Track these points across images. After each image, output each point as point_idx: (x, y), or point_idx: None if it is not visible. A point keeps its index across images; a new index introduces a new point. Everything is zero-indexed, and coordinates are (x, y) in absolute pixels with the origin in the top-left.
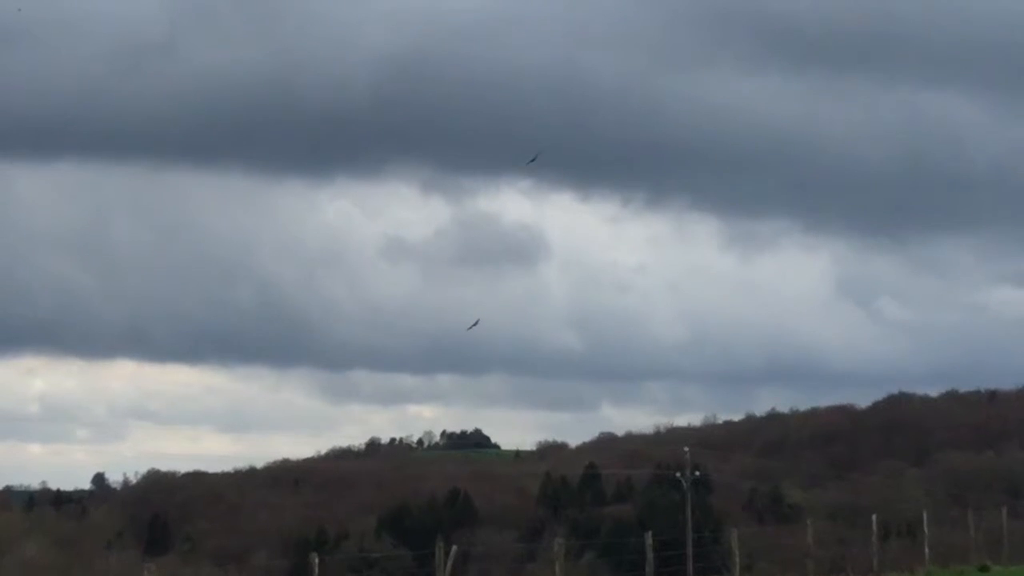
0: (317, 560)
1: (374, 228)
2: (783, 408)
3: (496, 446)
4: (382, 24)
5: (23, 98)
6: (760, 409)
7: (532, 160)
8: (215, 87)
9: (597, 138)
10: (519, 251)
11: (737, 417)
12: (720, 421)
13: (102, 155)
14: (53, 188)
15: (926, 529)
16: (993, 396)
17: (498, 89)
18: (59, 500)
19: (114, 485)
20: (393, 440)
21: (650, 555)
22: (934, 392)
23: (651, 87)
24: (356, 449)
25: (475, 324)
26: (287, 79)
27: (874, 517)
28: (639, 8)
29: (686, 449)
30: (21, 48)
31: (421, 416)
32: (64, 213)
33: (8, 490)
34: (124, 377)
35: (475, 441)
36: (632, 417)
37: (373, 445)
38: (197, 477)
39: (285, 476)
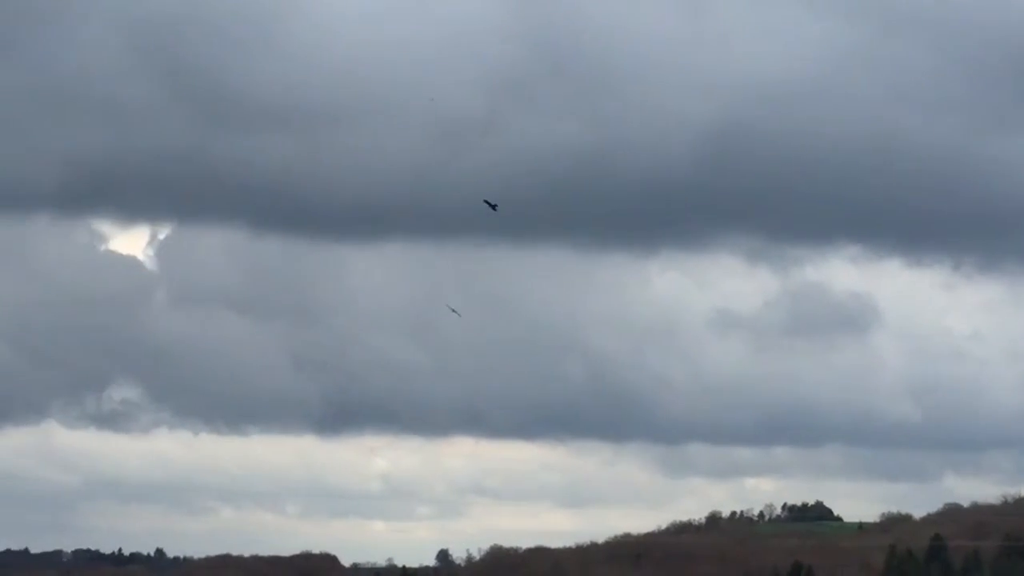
0: None
1: (702, 300)
2: None
3: (838, 518)
4: (699, 94)
5: (351, 182)
6: None
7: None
8: (536, 162)
9: (925, 202)
10: (850, 320)
11: None
12: None
13: (429, 235)
14: (384, 269)
15: None
16: None
17: (820, 155)
18: None
19: (458, 561)
20: (734, 514)
21: None
22: None
23: (979, 149)
24: (696, 523)
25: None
26: (607, 152)
27: None
28: (960, 69)
29: None
30: (342, 134)
31: (759, 489)
32: (396, 293)
33: (356, 567)
34: (463, 454)
35: (817, 514)
36: (977, 487)
37: (713, 519)
38: (540, 552)
39: (626, 551)
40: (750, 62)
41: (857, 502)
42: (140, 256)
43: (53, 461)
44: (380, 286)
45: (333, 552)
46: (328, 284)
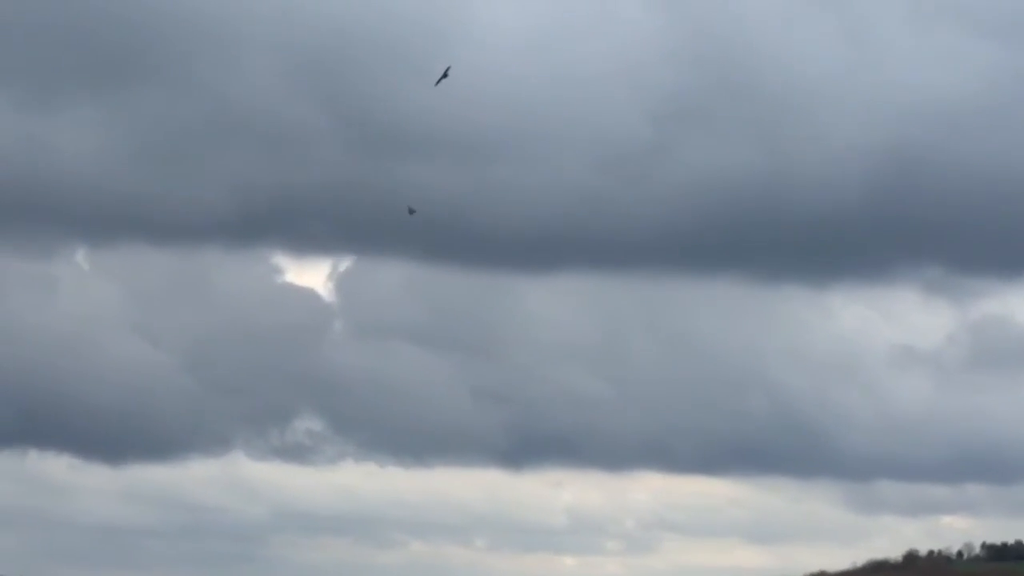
0: None
1: (882, 333)
2: None
3: None
4: (873, 120)
5: (521, 212)
6: None
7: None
8: (710, 191)
9: None
10: None
11: None
12: None
13: (605, 265)
14: (560, 300)
15: None
16: None
17: (997, 181)
18: None
19: None
20: (931, 552)
21: None
22: None
23: None
24: (893, 561)
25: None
26: (782, 180)
27: None
28: None
29: None
30: (514, 163)
31: (954, 527)
32: (573, 325)
33: None
34: (649, 489)
35: (1017, 553)
36: None
37: (911, 557)
38: None
39: None
40: (924, 87)
41: None
42: (319, 289)
43: (241, 493)
44: (557, 317)
45: None
46: (506, 315)
